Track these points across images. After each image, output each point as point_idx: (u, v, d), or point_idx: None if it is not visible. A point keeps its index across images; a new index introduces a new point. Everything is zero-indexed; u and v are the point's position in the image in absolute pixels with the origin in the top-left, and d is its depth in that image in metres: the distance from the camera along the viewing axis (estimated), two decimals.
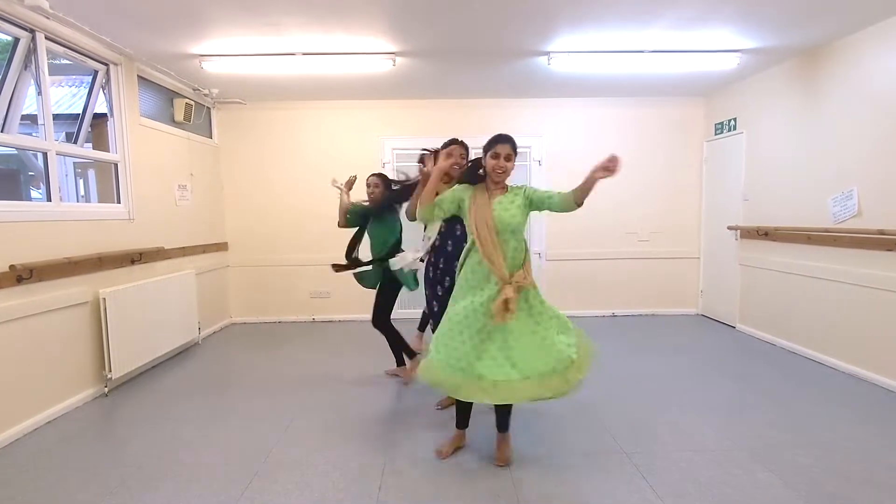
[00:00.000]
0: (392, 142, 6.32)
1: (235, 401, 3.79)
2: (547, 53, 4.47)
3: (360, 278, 4.07)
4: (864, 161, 4.00)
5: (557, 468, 2.76)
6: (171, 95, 5.26)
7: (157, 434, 3.25)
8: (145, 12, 3.59)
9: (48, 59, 3.67)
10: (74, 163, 6.48)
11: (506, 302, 2.49)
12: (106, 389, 3.92)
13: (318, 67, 4.60)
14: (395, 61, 4.50)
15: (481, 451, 2.94)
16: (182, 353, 5.00)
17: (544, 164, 6.29)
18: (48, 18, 3.50)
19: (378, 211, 3.92)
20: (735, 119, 5.66)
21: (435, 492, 2.56)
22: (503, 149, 2.67)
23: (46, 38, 3.59)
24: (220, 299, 6.15)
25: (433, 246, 3.46)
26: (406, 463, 2.85)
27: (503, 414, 2.83)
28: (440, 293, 3.40)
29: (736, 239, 5.61)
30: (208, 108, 5.98)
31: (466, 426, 2.97)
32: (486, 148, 2.72)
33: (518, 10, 3.62)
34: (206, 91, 5.54)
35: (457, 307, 2.66)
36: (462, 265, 2.74)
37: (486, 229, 2.60)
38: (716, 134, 6.04)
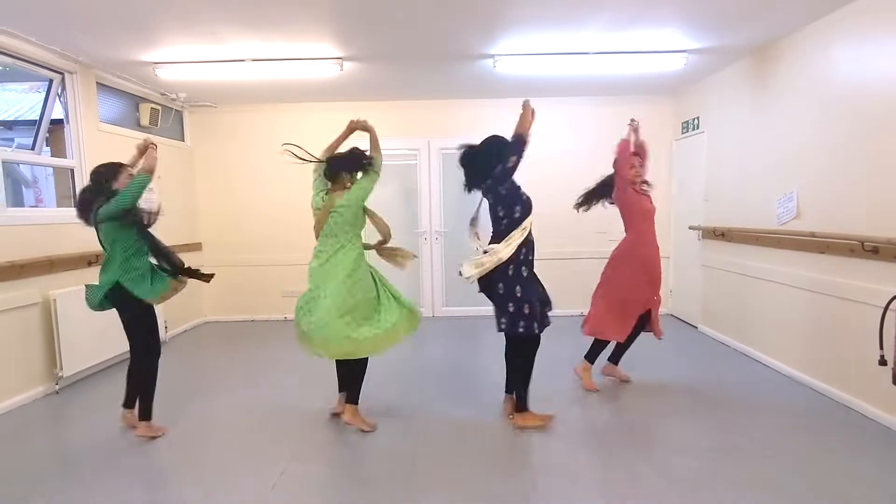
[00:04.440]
0: (363, 144, 6.37)
1: (182, 401, 3.87)
2: (492, 56, 4.49)
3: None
4: (802, 162, 3.96)
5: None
6: (136, 100, 5.40)
7: (98, 433, 3.32)
8: (90, 22, 3.69)
9: (13, 68, 3.84)
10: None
11: None
12: (57, 387, 4.06)
13: (267, 73, 4.68)
14: (342, 66, 4.56)
15: (373, 472, 3.00)
16: None
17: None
18: None
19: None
20: (698, 118, 5.61)
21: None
22: None
23: None
24: (193, 298, 6.28)
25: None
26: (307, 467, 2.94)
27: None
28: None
29: (699, 239, 5.57)
30: (178, 112, 6.11)
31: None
32: None
33: (453, 10, 3.60)
34: (174, 95, 5.67)
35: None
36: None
37: None
38: (682, 133, 5.99)
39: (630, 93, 6.13)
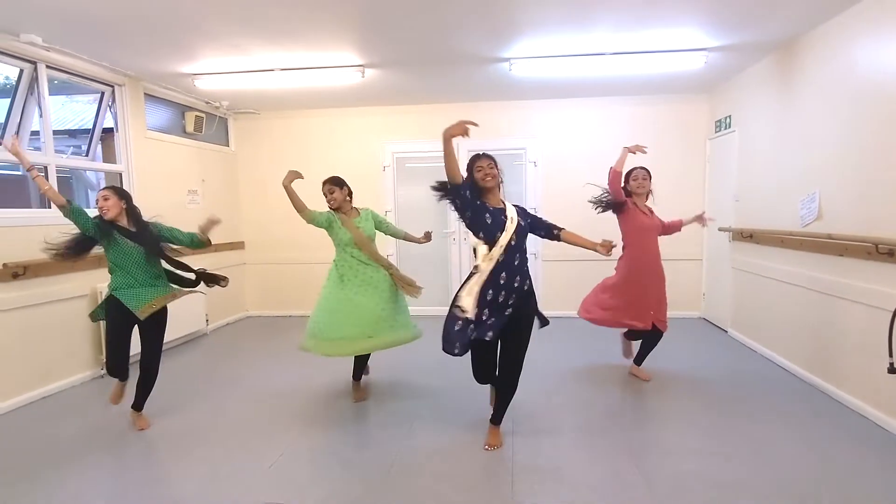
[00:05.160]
0: (393, 146, 6.60)
1: (214, 391, 4.16)
2: (507, 60, 4.56)
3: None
4: (825, 162, 3.80)
5: None
6: (183, 109, 5.82)
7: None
8: (133, 40, 4.06)
9: (68, 82, 4.34)
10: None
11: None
12: (102, 372, 4.46)
13: (294, 81, 4.94)
14: (363, 73, 4.76)
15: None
16: (189, 343, 5.55)
17: (540, 166, 6.33)
18: (47, 51, 4.04)
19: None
20: (730, 116, 5.45)
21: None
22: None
23: (48, 66, 4.15)
24: (236, 294, 6.69)
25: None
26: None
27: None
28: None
29: (729, 241, 5.41)
30: (223, 119, 6.51)
31: (360, 378, 3.97)
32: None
33: (463, 15, 3.68)
34: (218, 104, 6.06)
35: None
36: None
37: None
38: (716, 132, 5.83)
39: (664, 91, 6.02)
